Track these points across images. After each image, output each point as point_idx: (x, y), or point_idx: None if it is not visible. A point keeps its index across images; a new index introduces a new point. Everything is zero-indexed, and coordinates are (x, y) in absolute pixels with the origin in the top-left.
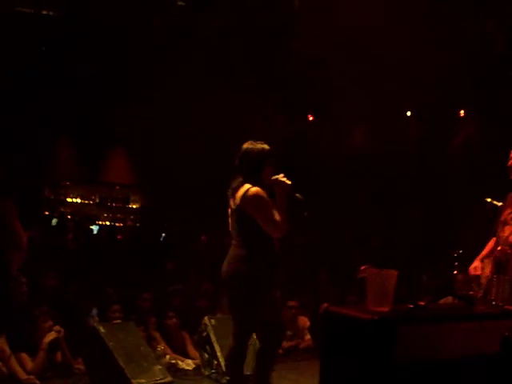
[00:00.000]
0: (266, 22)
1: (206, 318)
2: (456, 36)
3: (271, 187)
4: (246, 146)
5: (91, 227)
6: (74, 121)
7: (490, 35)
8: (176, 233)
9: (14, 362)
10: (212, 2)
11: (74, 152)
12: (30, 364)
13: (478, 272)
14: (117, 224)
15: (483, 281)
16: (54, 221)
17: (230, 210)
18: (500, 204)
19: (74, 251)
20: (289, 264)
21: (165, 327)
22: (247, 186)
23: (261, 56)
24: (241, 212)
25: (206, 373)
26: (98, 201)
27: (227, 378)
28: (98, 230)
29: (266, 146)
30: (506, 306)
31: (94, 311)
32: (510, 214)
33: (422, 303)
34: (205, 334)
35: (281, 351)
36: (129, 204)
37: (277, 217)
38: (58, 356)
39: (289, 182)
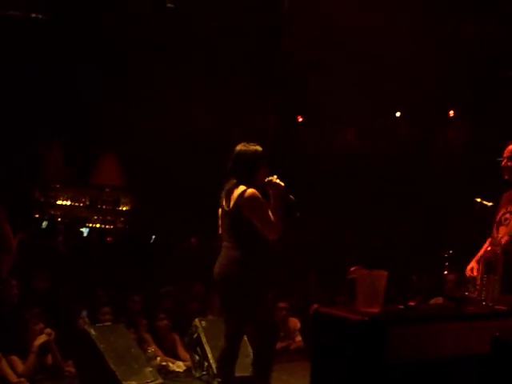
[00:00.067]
0: (258, 22)
1: (196, 319)
2: (447, 37)
3: (265, 189)
4: (239, 147)
5: (81, 229)
6: (64, 123)
7: (481, 36)
8: (166, 235)
9: (4, 364)
10: (204, 3)
11: (64, 154)
12: (20, 367)
13: (475, 273)
14: (107, 226)
15: (479, 282)
16: (44, 223)
17: (221, 212)
18: (490, 204)
19: (64, 253)
20: (279, 265)
21: (156, 329)
22: (242, 187)
23: (254, 57)
24: (236, 213)
25: (197, 375)
26: (88, 203)
27: (218, 379)
28: (88, 233)
29: (259, 148)
30: (496, 306)
31: (84, 313)
32: (504, 214)
33: (412, 304)
34: (195, 335)
35: None
36: (119, 206)
37: (272, 218)
38: (49, 359)
39: (282, 184)
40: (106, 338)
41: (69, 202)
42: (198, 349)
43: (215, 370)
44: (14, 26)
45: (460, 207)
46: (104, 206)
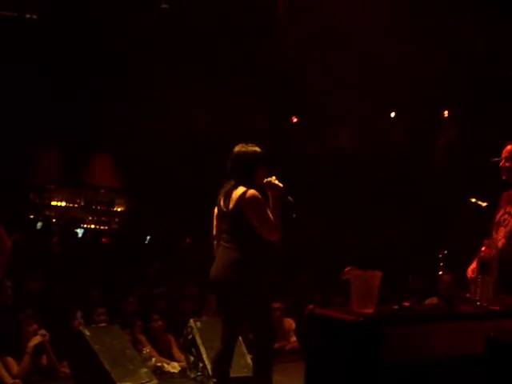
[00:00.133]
0: (258, 22)
1: (191, 320)
2: (438, 39)
3: (263, 189)
4: (237, 148)
5: (76, 230)
6: (59, 124)
7: (471, 37)
8: (161, 235)
9: None
10: (196, 4)
11: (58, 155)
12: (15, 368)
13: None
14: (102, 227)
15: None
16: (39, 224)
17: (218, 213)
18: (485, 204)
19: (58, 254)
20: (276, 265)
21: (150, 330)
22: (242, 188)
23: (254, 57)
24: (237, 214)
25: (192, 375)
26: (82, 204)
27: (214, 380)
28: (83, 234)
29: (258, 149)
30: (491, 307)
31: (79, 314)
32: (503, 215)
33: (406, 304)
34: (190, 336)
35: None
36: (114, 207)
37: (272, 219)
38: (44, 360)
39: (281, 185)
40: (100, 339)
41: (63, 203)
42: (193, 349)
43: (210, 371)
44: (10, 26)
45: (458, 208)
46: (99, 207)
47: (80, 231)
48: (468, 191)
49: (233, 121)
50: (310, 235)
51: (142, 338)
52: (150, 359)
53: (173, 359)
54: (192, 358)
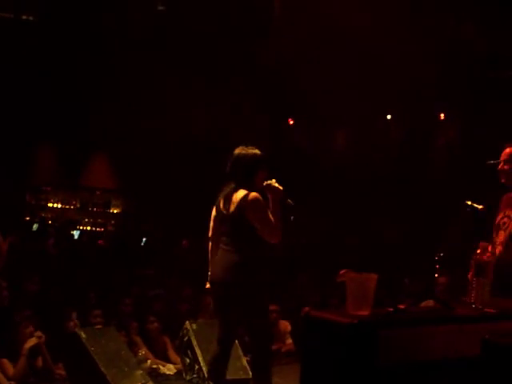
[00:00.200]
0: (250, 23)
1: (187, 322)
2: (438, 39)
3: (263, 192)
4: (237, 151)
5: (72, 232)
6: (54, 125)
7: (471, 37)
8: (157, 237)
9: None
10: (196, 5)
11: (55, 157)
12: (11, 370)
13: None
14: (98, 229)
15: None
16: (35, 226)
17: (216, 215)
18: (480, 207)
19: (54, 256)
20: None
21: (146, 332)
22: (243, 191)
23: (248, 58)
24: (238, 217)
25: (188, 377)
26: (78, 206)
27: (210, 383)
28: (79, 235)
29: (258, 151)
30: (486, 309)
31: (74, 315)
32: (502, 218)
33: (402, 306)
34: (186, 338)
35: None
36: (110, 209)
37: (273, 222)
38: (39, 362)
39: (281, 188)
40: (96, 341)
41: (60, 205)
42: (189, 352)
43: (206, 373)
44: (7, 28)
45: (457, 209)
46: (95, 209)
47: (76, 233)
48: (467, 192)
49: (233, 121)
50: (309, 236)
51: (138, 339)
52: (146, 361)
53: (168, 361)
54: (188, 360)
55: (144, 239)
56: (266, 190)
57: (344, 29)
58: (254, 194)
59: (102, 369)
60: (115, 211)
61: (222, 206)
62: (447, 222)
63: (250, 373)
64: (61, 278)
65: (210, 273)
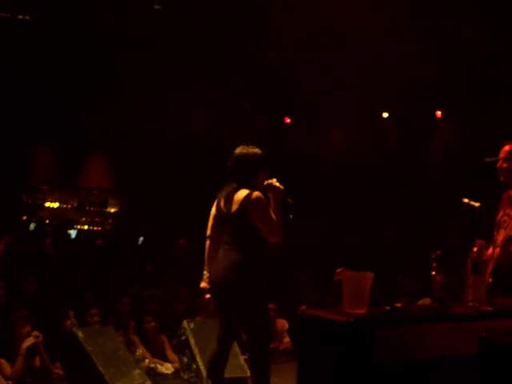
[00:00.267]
0: (258, 22)
1: (184, 321)
2: (434, 37)
3: (263, 191)
4: (238, 151)
5: (69, 231)
6: (51, 125)
7: (471, 37)
8: (154, 236)
9: None
10: (190, 5)
11: (51, 156)
12: (8, 370)
13: None
14: (95, 228)
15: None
16: (32, 225)
17: (216, 215)
18: (477, 205)
19: (52, 256)
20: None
21: (144, 331)
22: (245, 190)
23: (248, 58)
24: (240, 216)
25: (186, 376)
26: (75, 205)
27: (209, 381)
28: (76, 235)
29: (259, 151)
30: (483, 307)
31: (72, 314)
32: (503, 216)
33: (398, 305)
34: (184, 337)
35: None
36: (107, 208)
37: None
38: (37, 361)
39: (282, 187)
40: (94, 341)
41: (57, 204)
42: (187, 351)
43: (203, 372)
44: (4, 27)
45: (455, 208)
46: (92, 208)
47: (73, 232)
48: (466, 191)
49: (233, 121)
50: (309, 236)
51: (136, 339)
52: (144, 360)
53: (166, 360)
54: (185, 359)
55: (141, 238)
56: (266, 190)
57: (344, 29)
58: (256, 193)
59: (100, 368)
60: (112, 210)
61: (223, 205)
62: (447, 221)
63: (248, 371)
64: (58, 278)
65: (205, 272)
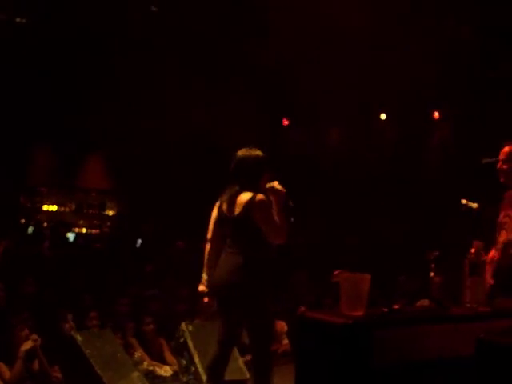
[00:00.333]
0: (247, 23)
1: (183, 324)
2: (434, 37)
3: (265, 194)
4: (241, 153)
5: (67, 234)
6: (49, 127)
7: (465, 37)
8: (153, 238)
9: None
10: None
11: (49, 158)
12: (7, 373)
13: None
14: (93, 231)
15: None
16: (30, 228)
17: (218, 218)
18: (475, 206)
19: (50, 259)
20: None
21: (142, 333)
22: (248, 193)
23: (247, 58)
24: (243, 219)
25: (184, 379)
26: (73, 208)
27: None
28: (75, 237)
29: (261, 153)
30: (481, 308)
31: (70, 317)
32: (504, 217)
33: (396, 306)
34: (182, 340)
35: None
36: (105, 210)
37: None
38: (36, 364)
39: (283, 190)
40: (92, 344)
41: (55, 207)
42: (185, 353)
43: (202, 375)
44: (1, 30)
45: (454, 208)
46: (90, 211)
47: (71, 235)
48: (465, 192)
49: (233, 121)
50: (308, 236)
51: (134, 341)
52: (142, 363)
53: (165, 363)
54: (184, 362)
55: (139, 241)
56: (268, 192)
57: (344, 29)
58: (260, 196)
59: (99, 371)
60: (110, 213)
61: (225, 208)
62: (445, 221)
63: (247, 374)
64: (56, 281)
65: (203, 275)
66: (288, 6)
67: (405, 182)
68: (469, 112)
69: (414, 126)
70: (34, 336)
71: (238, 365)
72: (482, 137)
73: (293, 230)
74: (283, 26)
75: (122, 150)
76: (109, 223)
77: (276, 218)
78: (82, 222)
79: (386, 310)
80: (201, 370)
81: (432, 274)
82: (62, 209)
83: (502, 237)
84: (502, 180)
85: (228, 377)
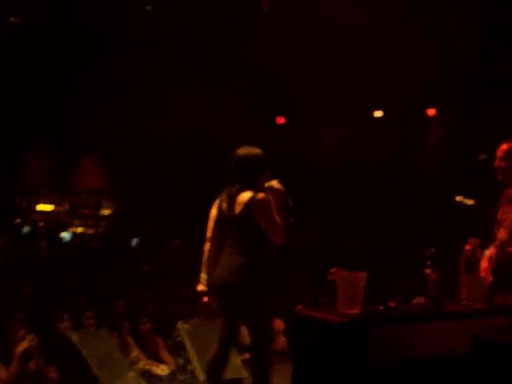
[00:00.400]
0: (247, 23)
1: (179, 322)
2: (426, 36)
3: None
4: (241, 151)
5: (63, 234)
6: (46, 127)
7: (459, 36)
8: (148, 238)
9: None
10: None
11: (45, 159)
12: (3, 373)
13: (484, 273)
14: (89, 230)
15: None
16: (26, 228)
17: (217, 217)
18: (471, 202)
19: (46, 258)
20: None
21: (138, 333)
22: (249, 192)
23: (245, 58)
24: (244, 218)
25: (181, 378)
26: (69, 208)
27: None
28: (70, 237)
29: (261, 152)
30: (476, 306)
31: (67, 317)
32: (503, 215)
33: (392, 304)
34: (179, 339)
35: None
36: (100, 210)
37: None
38: (32, 364)
39: (282, 189)
40: (88, 343)
41: (50, 207)
42: (182, 352)
43: (199, 373)
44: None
45: (443, 206)
46: (85, 211)
47: (67, 235)
48: (464, 190)
49: (233, 121)
50: (308, 236)
51: (130, 340)
52: (138, 362)
53: (161, 362)
54: (181, 361)
55: (135, 240)
56: (267, 191)
57: (344, 29)
58: (261, 195)
59: (95, 371)
60: (106, 213)
61: (225, 207)
62: (444, 220)
63: (244, 373)
64: (52, 280)
65: (202, 275)
66: (288, 6)
67: (405, 182)
68: (468, 111)
69: (414, 126)
70: (31, 336)
71: (236, 363)
72: (481, 136)
73: (292, 231)
74: (283, 26)
75: (121, 150)
76: (104, 223)
77: (277, 217)
78: (77, 221)
79: (381, 307)
80: (198, 368)
81: (428, 271)
82: (58, 209)
83: (501, 234)
84: (499, 178)
85: (226, 375)
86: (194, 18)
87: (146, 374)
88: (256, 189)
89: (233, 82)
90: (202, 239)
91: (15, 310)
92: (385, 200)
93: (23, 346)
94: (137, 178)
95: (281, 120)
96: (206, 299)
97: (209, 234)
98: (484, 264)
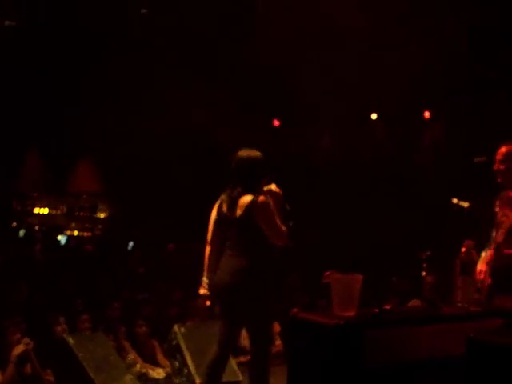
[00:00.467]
0: (247, 23)
1: (175, 326)
2: (426, 36)
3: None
4: (242, 154)
5: (59, 237)
6: (40, 131)
7: (459, 36)
8: (144, 241)
9: None
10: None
11: (41, 162)
12: None
13: (482, 276)
14: (85, 233)
15: (481, 285)
16: (22, 232)
17: (218, 219)
18: (467, 205)
19: (41, 262)
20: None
21: (134, 336)
22: (250, 195)
23: (245, 58)
24: (245, 221)
25: (177, 381)
26: (65, 211)
27: None
28: (66, 240)
29: (260, 154)
30: (472, 308)
31: (62, 320)
32: (502, 217)
33: (387, 307)
34: (175, 342)
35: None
36: (96, 213)
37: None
38: (28, 368)
39: (280, 193)
40: (84, 347)
41: (46, 211)
42: (178, 355)
43: (195, 376)
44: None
45: (439, 209)
46: (81, 214)
47: (63, 238)
48: (463, 191)
49: (233, 121)
50: (308, 236)
51: (126, 344)
52: (135, 365)
53: (157, 365)
54: (177, 364)
55: (131, 243)
56: (268, 195)
57: (344, 29)
58: (263, 198)
59: (91, 374)
60: (102, 215)
61: (225, 209)
62: (441, 221)
63: (240, 375)
64: (48, 284)
65: (204, 278)
66: (288, 6)
67: (404, 182)
68: (468, 112)
69: (414, 126)
70: (26, 339)
71: (232, 366)
72: (480, 136)
73: (293, 233)
74: (283, 26)
75: (121, 150)
76: (100, 226)
77: (277, 220)
78: (73, 224)
79: (377, 310)
80: (193, 371)
81: (424, 273)
82: (54, 212)
83: (499, 236)
84: (499, 180)
85: (226, 378)
86: (194, 18)
87: (142, 377)
88: (257, 192)
89: (233, 82)
90: (200, 241)
91: (11, 313)
92: (384, 200)
93: (19, 349)
94: (136, 179)
95: (276, 123)
96: (208, 303)
97: (209, 236)
98: (480, 266)
